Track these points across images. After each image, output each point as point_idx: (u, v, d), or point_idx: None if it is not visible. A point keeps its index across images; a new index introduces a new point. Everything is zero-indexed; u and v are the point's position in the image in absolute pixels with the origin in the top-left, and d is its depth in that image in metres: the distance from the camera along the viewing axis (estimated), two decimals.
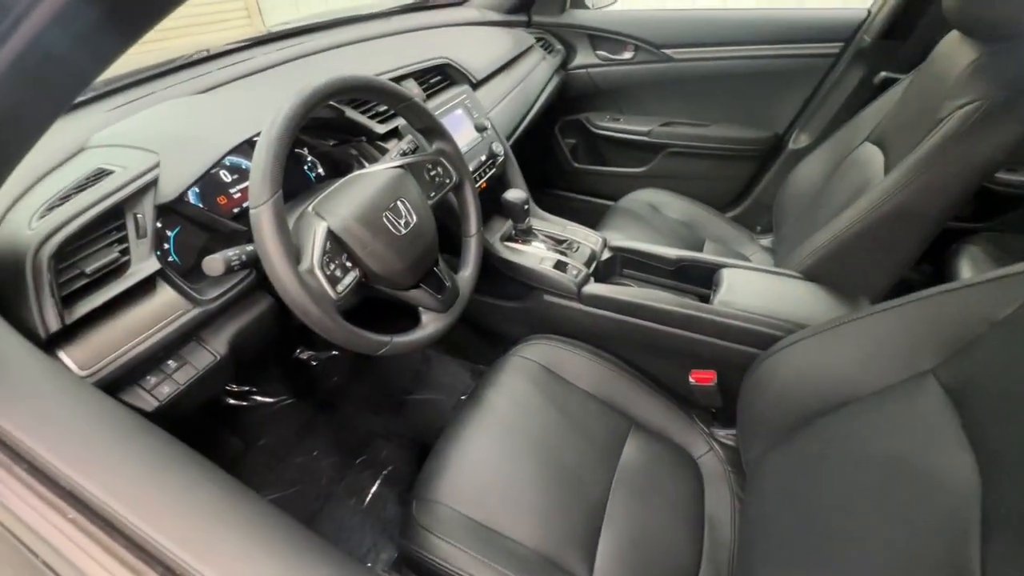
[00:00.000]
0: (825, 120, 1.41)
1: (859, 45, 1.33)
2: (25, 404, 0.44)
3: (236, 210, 0.78)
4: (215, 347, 0.70)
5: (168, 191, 0.65)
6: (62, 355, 0.56)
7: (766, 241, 1.44)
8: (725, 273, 1.04)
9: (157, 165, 0.66)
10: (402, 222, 0.73)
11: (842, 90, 1.37)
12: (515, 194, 1.08)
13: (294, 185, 0.87)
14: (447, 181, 0.85)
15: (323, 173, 0.95)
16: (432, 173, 0.83)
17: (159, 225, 0.66)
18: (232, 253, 0.63)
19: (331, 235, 0.66)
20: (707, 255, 1.11)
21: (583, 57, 1.68)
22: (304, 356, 1.44)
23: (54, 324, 0.54)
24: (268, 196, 0.57)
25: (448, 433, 0.86)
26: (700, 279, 1.09)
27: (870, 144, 1.12)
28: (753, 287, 1.01)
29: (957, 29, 0.93)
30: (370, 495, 1.16)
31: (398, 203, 0.73)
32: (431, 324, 0.79)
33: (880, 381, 0.66)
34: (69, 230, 0.57)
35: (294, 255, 0.61)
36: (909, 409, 0.59)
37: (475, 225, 0.89)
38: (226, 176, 0.78)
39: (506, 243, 1.15)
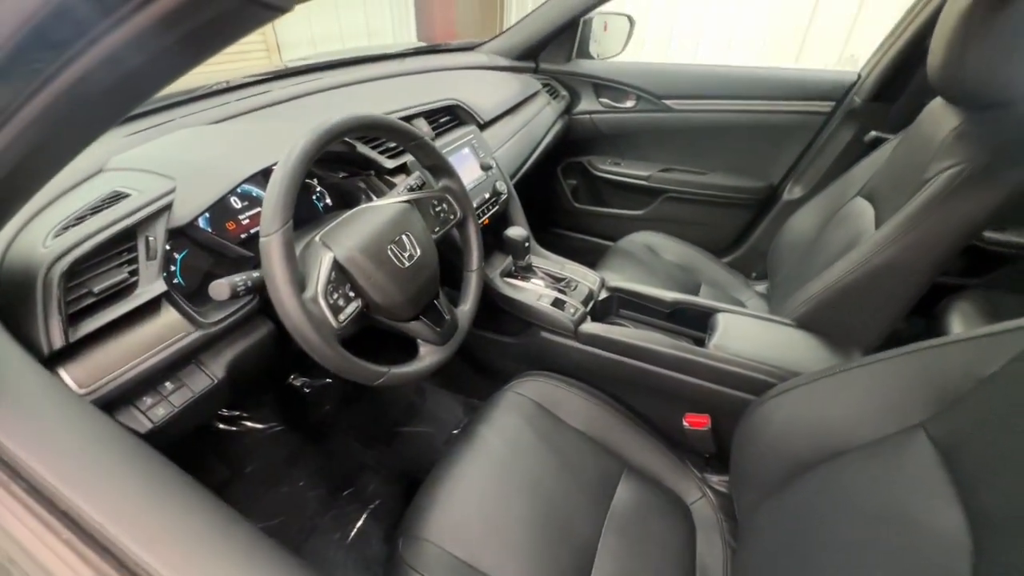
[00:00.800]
0: (818, 174, 1.46)
1: (850, 105, 1.39)
2: (25, 421, 0.44)
3: (244, 236, 0.80)
4: (213, 371, 0.71)
5: (181, 215, 0.67)
6: (62, 372, 0.56)
7: (761, 287, 1.46)
8: (720, 318, 1.05)
9: (173, 190, 0.68)
10: (406, 255, 0.74)
11: (834, 146, 1.43)
12: (516, 231, 1.10)
13: (302, 214, 0.89)
14: (451, 217, 0.87)
15: (331, 204, 0.97)
16: (437, 209, 0.85)
17: (168, 248, 0.67)
18: (239, 279, 0.64)
19: (336, 265, 0.68)
20: (702, 299, 1.13)
21: (587, 104, 1.74)
22: (297, 383, 1.43)
23: (58, 342, 0.55)
24: (279, 226, 0.59)
25: (439, 468, 0.85)
26: (695, 322, 1.10)
27: (861, 199, 1.16)
28: (747, 333, 1.02)
29: (941, 96, 0.98)
30: (355, 530, 1.13)
31: (403, 236, 0.75)
32: (428, 356, 0.79)
33: (871, 433, 0.67)
34: (82, 250, 0.58)
35: (299, 283, 0.62)
36: (899, 463, 0.60)
37: (476, 261, 0.91)
38: (236, 203, 0.80)
39: (506, 279, 1.16)
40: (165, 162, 0.73)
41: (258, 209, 0.77)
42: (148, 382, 0.64)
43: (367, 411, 1.41)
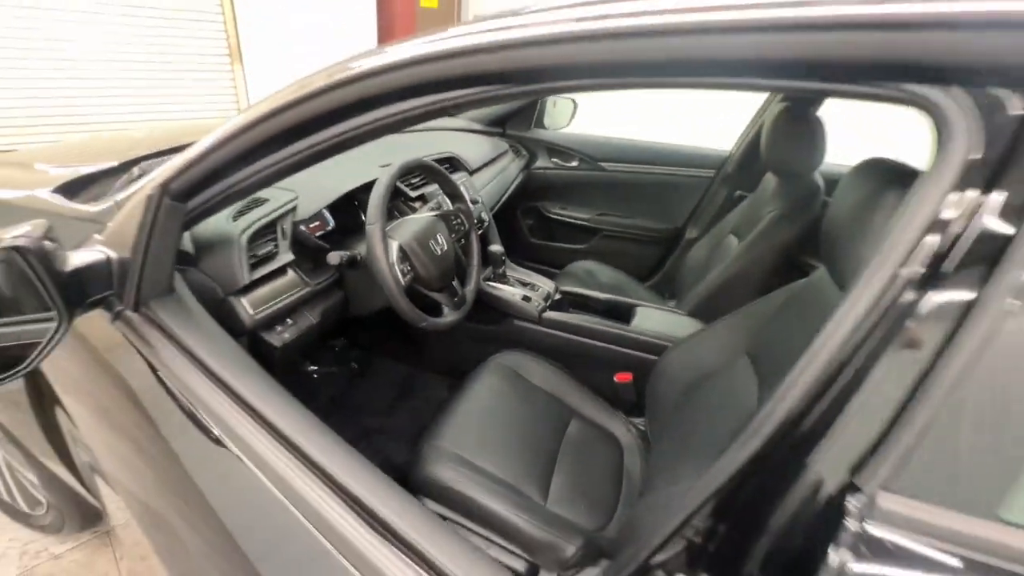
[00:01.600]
0: (707, 219, 2.04)
1: (725, 172, 2.00)
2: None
3: (319, 234, 1.19)
4: (313, 316, 1.07)
5: (302, 214, 1.06)
6: (243, 300, 0.92)
7: (671, 304, 1.98)
8: (638, 310, 1.53)
9: (296, 198, 1.06)
10: (439, 248, 1.16)
11: (716, 199, 2.01)
12: (496, 247, 1.54)
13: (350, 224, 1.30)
14: (463, 228, 1.30)
15: None
16: (455, 222, 1.28)
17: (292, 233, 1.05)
18: (343, 253, 1.04)
19: (400, 248, 1.08)
20: (627, 298, 1.60)
21: (542, 162, 2.27)
22: (308, 369, 1.74)
23: (246, 279, 0.91)
24: (378, 219, 1.00)
25: (444, 406, 1.22)
26: (622, 315, 1.57)
27: (731, 235, 1.71)
28: (655, 318, 1.50)
29: (767, 170, 1.56)
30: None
31: (438, 235, 1.17)
32: (449, 315, 1.20)
33: (721, 362, 1.13)
34: (253, 229, 0.96)
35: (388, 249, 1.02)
36: (735, 371, 1.06)
37: (476, 258, 1.33)
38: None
39: (488, 283, 1.59)
40: (289, 181, 1.12)
41: (319, 222, 1.16)
42: (280, 316, 1.00)
43: (368, 390, 1.74)
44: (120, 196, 0.82)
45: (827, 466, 0.44)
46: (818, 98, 1.64)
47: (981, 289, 0.37)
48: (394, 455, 1.52)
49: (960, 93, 0.38)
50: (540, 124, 2.29)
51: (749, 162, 1.92)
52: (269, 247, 0.99)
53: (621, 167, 2.19)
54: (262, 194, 1.06)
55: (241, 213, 0.98)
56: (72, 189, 1.00)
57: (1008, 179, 0.38)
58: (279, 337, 1.00)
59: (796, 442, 0.46)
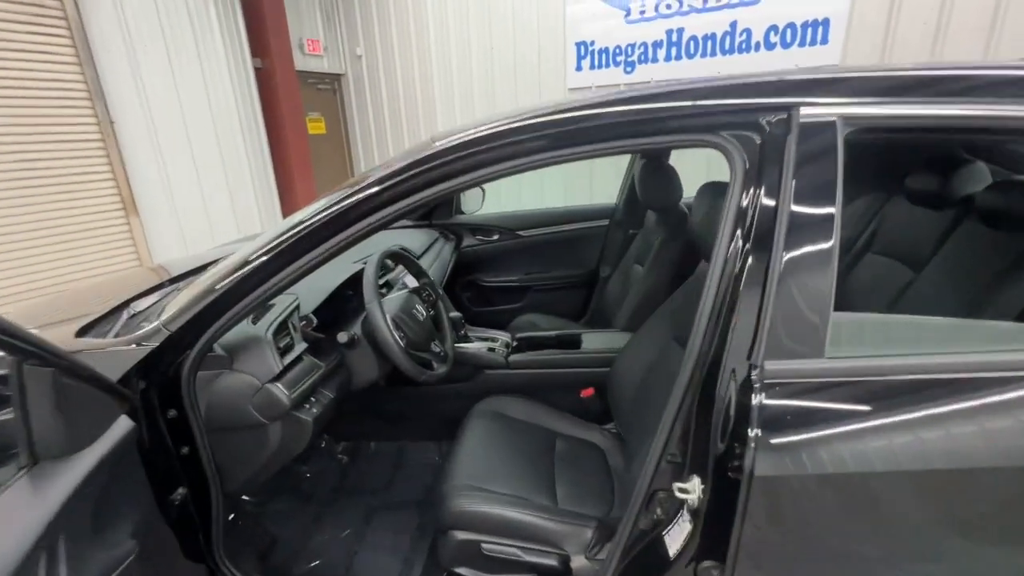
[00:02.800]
0: (614, 257, 2.48)
1: (617, 218, 2.49)
2: None
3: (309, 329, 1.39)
4: (329, 391, 1.26)
5: (304, 310, 1.27)
6: (279, 385, 1.10)
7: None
8: (584, 335, 1.85)
9: (297, 298, 1.28)
10: (421, 315, 1.41)
11: (616, 240, 2.48)
12: (454, 314, 1.81)
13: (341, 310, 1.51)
14: (432, 298, 1.57)
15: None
16: (425, 295, 1.54)
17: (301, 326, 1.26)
18: (351, 331, 1.25)
19: (392, 319, 1.32)
20: (573, 330, 1.93)
21: (468, 241, 2.63)
22: (302, 469, 1.82)
23: (280, 366, 1.09)
24: (375, 297, 1.24)
25: (448, 456, 1.42)
26: (572, 344, 1.88)
27: (636, 265, 2.14)
28: (599, 339, 1.83)
29: (647, 208, 2.04)
30: (389, 543, 1.54)
31: (418, 305, 1.42)
32: (440, 368, 1.43)
33: (656, 353, 1.46)
34: (275, 325, 1.16)
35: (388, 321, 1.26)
36: (669, 355, 1.39)
37: (446, 322, 1.59)
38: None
39: (455, 344, 1.83)
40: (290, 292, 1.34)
41: (305, 322, 1.38)
42: (305, 396, 1.18)
43: (364, 475, 1.84)
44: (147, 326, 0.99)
45: (734, 364, 0.77)
46: (663, 151, 2.20)
47: (771, 238, 0.74)
48: (405, 520, 1.63)
49: (728, 136, 0.77)
50: (459, 211, 2.67)
51: (632, 207, 2.42)
52: (287, 340, 1.18)
53: (535, 232, 2.61)
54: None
55: (257, 318, 1.17)
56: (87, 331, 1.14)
57: (764, 176, 0.76)
58: (309, 413, 1.17)
59: (708, 362, 0.80)
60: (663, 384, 1.31)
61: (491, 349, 1.80)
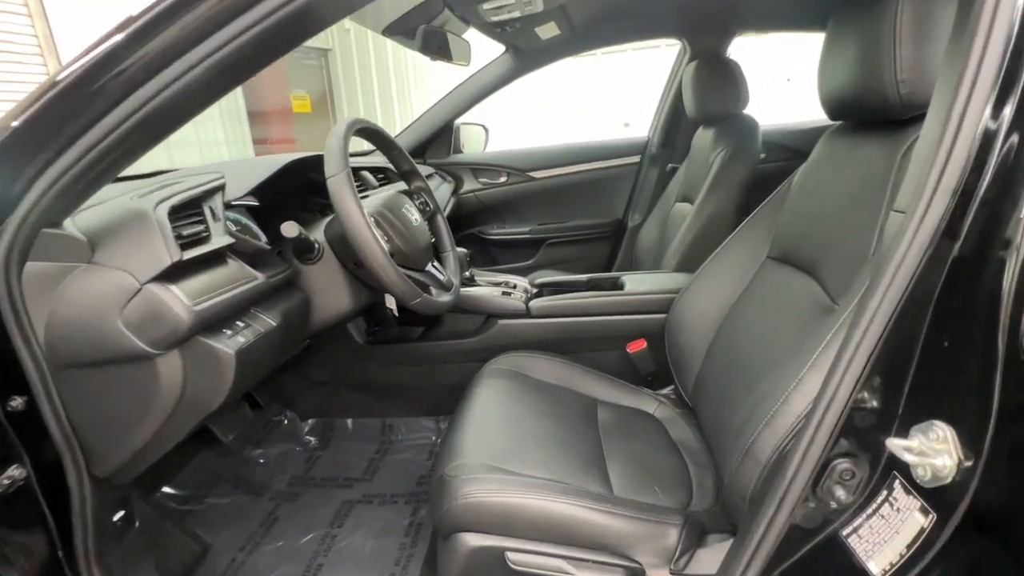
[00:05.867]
0: (645, 203, 2.05)
1: (650, 153, 2.06)
2: None
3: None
4: (271, 317, 0.81)
5: (232, 193, 0.83)
6: (174, 288, 0.65)
7: None
8: (625, 277, 1.42)
9: (223, 176, 0.84)
10: (414, 217, 0.97)
11: (649, 182, 2.05)
12: (460, 250, 1.37)
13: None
14: (428, 209, 1.13)
15: None
16: (419, 201, 1.10)
17: (228, 217, 0.81)
18: (306, 233, 0.81)
19: (372, 216, 0.88)
20: (607, 273, 1.50)
21: (469, 184, 2.19)
22: (254, 453, 1.37)
23: (175, 255, 0.65)
24: (342, 168, 0.80)
25: (448, 428, 0.98)
26: (609, 287, 1.45)
27: (678, 203, 1.72)
28: (647, 280, 1.40)
29: (701, 125, 1.61)
30: (368, 550, 1.10)
31: (408, 205, 0.98)
32: (442, 296, 0.99)
33: (745, 279, 1.04)
34: (172, 201, 0.72)
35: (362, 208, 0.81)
36: (766, 279, 0.97)
37: (449, 243, 1.15)
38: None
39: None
40: (209, 167, 0.89)
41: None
42: (228, 316, 0.74)
43: (337, 461, 1.39)
44: None
45: None
46: (723, 41, 1.79)
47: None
48: (393, 518, 1.19)
49: None
50: (458, 151, 2.23)
51: (670, 135, 2.00)
52: (198, 228, 0.74)
53: (550, 173, 2.17)
54: (174, 177, 0.82)
55: (148, 194, 0.73)
56: None
57: None
58: (231, 341, 0.72)
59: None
60: (764, 313, 0.89)
61: (506, 294, 1.37)
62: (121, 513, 0.84)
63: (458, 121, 2.14)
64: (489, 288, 1.39)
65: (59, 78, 0.56)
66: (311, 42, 6.29)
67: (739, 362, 0.92)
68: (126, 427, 0.71)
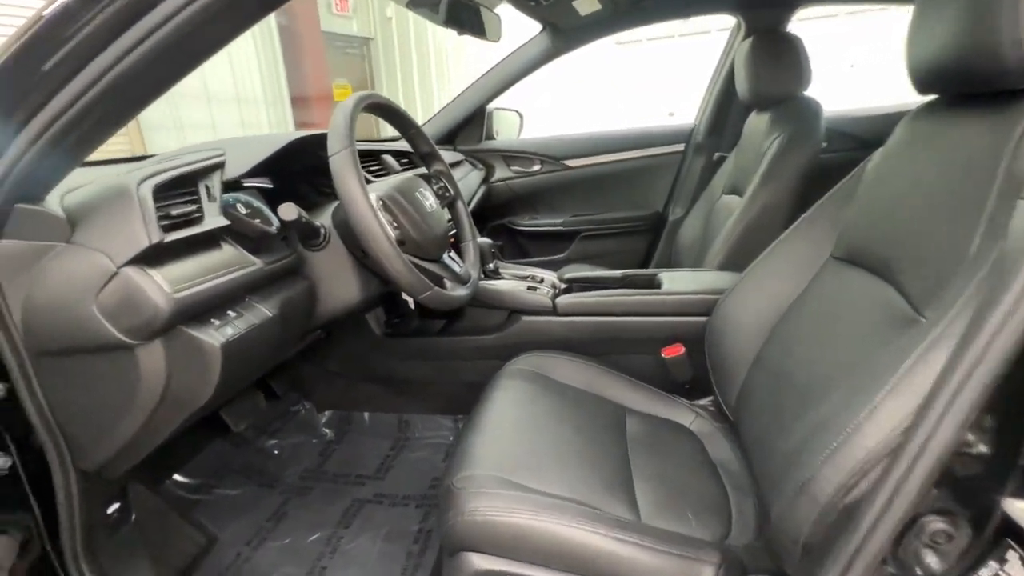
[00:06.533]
0: (688, 195, 1.91)
1: (695, 142, 1.91)
2: None
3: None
4: (268, 307, 0.75)
5: (232, 171, 0.77)
6: (153, 273, 0.60)
7: None
8: (663, 275, 1.30)
9: (223, 154, 0.77)
10: (428, 203, 0.89)
11: (693, 172, 1.90)
12: (483, 240, 1.28)
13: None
14: (447, 194, 1.04)
15: None
16: (437, 186, 1.02)
17: (225, 197, 0.75)
18: (310, 216, 0.74)
19: (380, 200, 0.80)
20: (644, 270, 1.38)
21: (501, 172, 2.09)
22: (269, 444, 1.34)
23: (155, 237, 0.59)
24: (346, 145, 0.72)
25: (464, 432, 0.90)
26: (644, 286, 1.33)
27: (725, 196, 1.57)
28: (687, 279, 1.27)
29: (755, 109, 1.46)
30: (375, 555, 1.04)
31: (422, 189, 0.90)
32: (456, 290, 0.90)
33: (801, 282, 0.91)
34: (160, 178, 0.66)
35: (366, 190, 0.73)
36: (829, 281, 0.83)
37: (470, 232, 1.07)
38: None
39: (482, 281, 1.31)
40: (210, 144, 0.83)
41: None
42: (217, 305, 0.67)
43: (351, 456, 1.34)
44: None
45: None
46: (783, 16, 1.62)
47: None
48: (403, 522, 1.12)
49: None
50: (491, 138, 2.14)
51: (719, 122, 1.84)
52: (188, 208, 0.68)
53: (586, 162, 2.05)
54: (173, 154, 0.76)
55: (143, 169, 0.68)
56: None
57: None
58: (218, 333, 0.66)
59: None
60: (823, 319, 0.76)
61: (532, 288, 1.27)
62: (116, 506, 0.81)
63: (491, 106, 2.05)
64: (514, 282, 1.30)
65: (28, 27, 0.51)
66: (354, 32, 6.24)
67: (793, 376, 0.80)
68: (109, 421, 0.66)
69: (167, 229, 0.64)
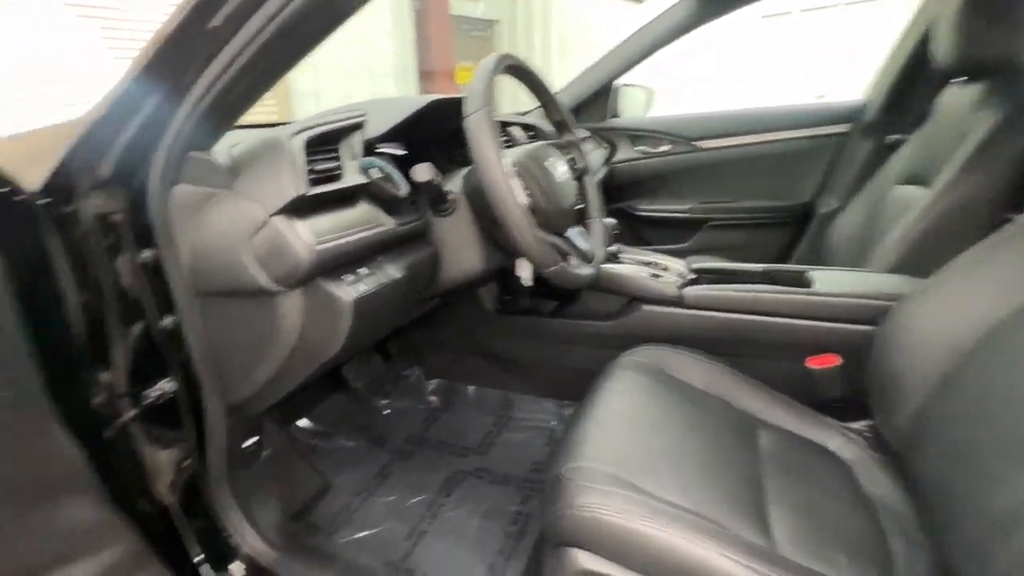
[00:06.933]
0: (848, 183, 1.63)
1: (865, 121, 1.62)
2: None
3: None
4: (396, 269, 0.76)
5: (372, 131, 0.78)
6: (298, 224, 0.62)
7: None
8: (815, 273, 1.12)
9: (364, 115, 0.79)
10: (558, 171, 0.84)
11: (858, 157, 1.62)
12: (609, 220, 1.20)
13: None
14: (577, 167, 0.98)
15: None
16: (568, 157, 0.96)
17: (372, 163, 0.76)
18: (441, 179, 0.73)
19: (512, 165, 0.76)
20: (790, 266, 1.20)
21: (624, 152, 1.97)
22: (380, 403, 1.40)
23: (302, 188, 0.61)
24: (483, 104, 0.69)
25: (575, 420, 0.84)
26: (791, 283, 1.15)
27: (899, 186, 1.31)
28: (846, 280, 1.08)
29: (957, 78, 1.18)
30: (473, 529, 1.03)
31: (555, 158, 0.85)
32: (582, 267, 0.84)
33: (1017, 299, 0.70)
34: (309, 133, 0.69)
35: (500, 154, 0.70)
36: None
37: (598, 209, 0.99)
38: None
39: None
40: (353, 106, 0.86)
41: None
42: (351, 262, 0.69)
43: (455, 426, 1.36)
44: None
45: None
46: None
47: None
48: (502, 501, 1.10)
49: None
50: (614, 113, 2.02)
51: (901, 97, 1.54)
52: (330, 164, 0.70)
53: (722, 143, 1.85)
54: (320, 115, 0.79)
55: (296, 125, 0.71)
56: None
57: None
58: (351, 288, 0.67)
59: None
60: None
61: (656, 276, 1.17)
62: (252, 440, 0.88)
63: (618, 82, 1.93)
64: (636, 267, 1.21)
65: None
66: (480, 14, 6.38)
67: (1003, 415, 0.62)
68: (251, 362, 0.71)
69: (311, 183, 0.66)
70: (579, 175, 1.00)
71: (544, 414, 1.37)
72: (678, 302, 1.12)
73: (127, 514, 0.65)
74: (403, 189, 0.84)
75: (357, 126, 0.77)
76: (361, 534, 1.03)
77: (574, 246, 0.87)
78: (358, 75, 4.60)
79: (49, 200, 0.57)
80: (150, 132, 0.59)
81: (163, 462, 0.74)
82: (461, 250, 0.88)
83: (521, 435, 1.32)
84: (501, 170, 0.68)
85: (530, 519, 1.05)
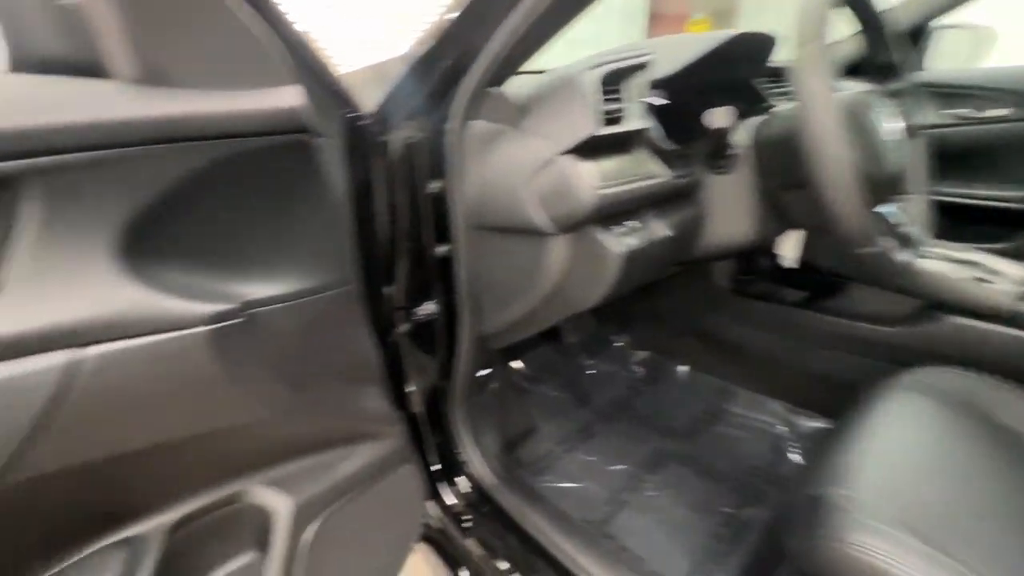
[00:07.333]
0: None
1: None
2: None
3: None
4: (665, 225, 0.70)
5: (661, 71, 0.70)
6: (586, 165, 0.59)
7: None
8: None
9: (651, 53, 0.71)
10: (884, 128, 0.65)
11: None
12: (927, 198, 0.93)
13: None
14: (910, 125, 0.76)
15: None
16: (899, 111, 0.75)
17: (650, 101, 0.70)
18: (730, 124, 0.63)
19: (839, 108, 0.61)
20: None
21: (932, 118, 1.51)
22: (587, 362, 1.40)
23: (594, 128, 0.58)
24: (819, 35, 0.56)
25: (844, 439, 0.68)
26: None
27: None
28: None
29: None
30: (679, 518, 0.96)
31: (879, 110, 0.67)
32: (901, 255, 0.66)
33: None
34: (604, 69, 0.64)
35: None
36: None
37: (924, 182, 0.77)
38: None
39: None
40: (641, 45, 0.80)
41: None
42: (623, 212, 0.65)
43: (660, 403, 1.29)
44: None
45: None
46: None
47: None
48: (712, 498, 1.00)
49: None
50: (923, 68, 1.56)
51: None
52: (613, 105, 0.65)
53: None
54: (605, 53, 0.74)
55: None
56: None
57: None
58: (621, 241, 0.63)
59: None
60: None
61: (981, 280, 0.88)
62: (486, 372, 0.94)
63: (936, 22, 1.47)
64: (948, 265, 0.92)
65: None
66: None
67: None
68: (509, 298, 0.73)
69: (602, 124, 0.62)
70: (911, 135, 0.77)
71: (769, 416, 1.19)
72: (1011, 320, 0.83)
73: (400, 412, 0.75)
74: (666, 143, 0.76)
75: (642, 65, 0.70)
76: (563, 484, 1.05)
77: (890, 225, 0.68)
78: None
79: (375, 129, 0.65)
80: (456, 71, 0.62)
81: (417, 377, 0.83)
82: (733, 214, 0.77)
83: (738, 432, 1.17)
84: (834, 118, 0.54)
85: (747, 528, 0.93)
